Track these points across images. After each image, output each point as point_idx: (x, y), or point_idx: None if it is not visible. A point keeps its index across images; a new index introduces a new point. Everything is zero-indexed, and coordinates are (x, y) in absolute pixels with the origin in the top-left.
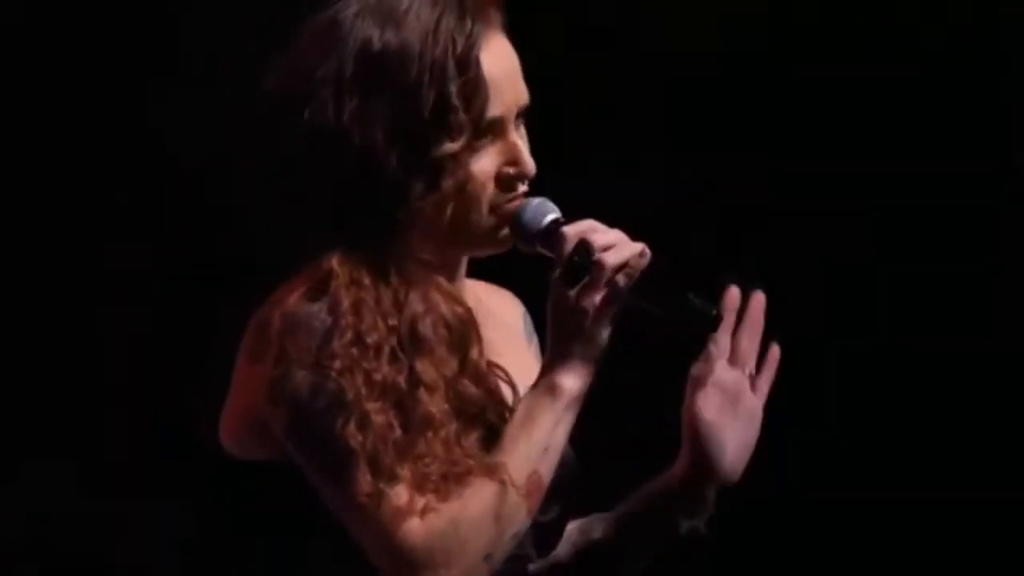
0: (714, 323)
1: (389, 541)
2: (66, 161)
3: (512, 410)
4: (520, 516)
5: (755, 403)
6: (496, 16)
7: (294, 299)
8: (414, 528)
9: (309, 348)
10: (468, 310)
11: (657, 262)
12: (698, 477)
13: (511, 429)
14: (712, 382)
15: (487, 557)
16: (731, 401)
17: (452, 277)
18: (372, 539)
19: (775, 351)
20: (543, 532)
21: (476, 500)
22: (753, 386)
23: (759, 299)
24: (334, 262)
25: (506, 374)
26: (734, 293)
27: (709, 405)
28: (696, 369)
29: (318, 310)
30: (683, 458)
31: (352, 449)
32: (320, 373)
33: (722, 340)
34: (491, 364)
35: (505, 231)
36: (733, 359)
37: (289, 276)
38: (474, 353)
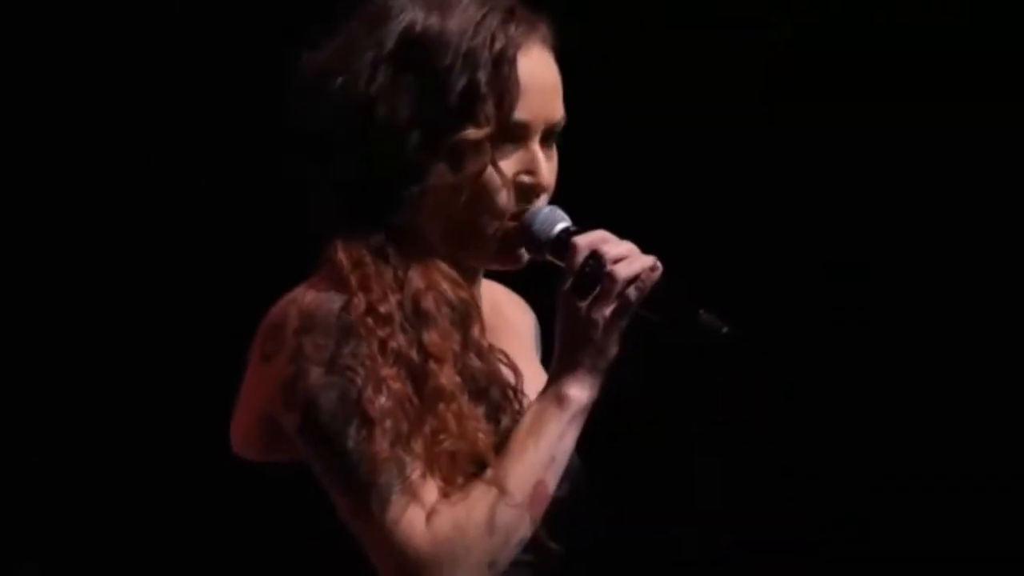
0: (723, 340)
1: (396, 546)
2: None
3: (515, 391)
4: (523, 526)
5: None
6: (544, 30)
7: (312, 296)
8: (420, 534)
9: (326, 346)
10: (471, 295)
11: (668, 276)
12: None
13: (518, 437)
14: None
15: (491, 565)
16: None
17: (470, 284)
18: (379, 544)
19: None
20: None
21: (480, 508)
22: None
23: None
24: (339, 250)
25: (506, 356)
26: None
27: None
28: None
29: (339, 309)
30: None
31: (370, 418)
32: (336, 370)
33: None
34: (492, 347)
35: (520, 249)
36: None
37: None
38: (475, 332)
